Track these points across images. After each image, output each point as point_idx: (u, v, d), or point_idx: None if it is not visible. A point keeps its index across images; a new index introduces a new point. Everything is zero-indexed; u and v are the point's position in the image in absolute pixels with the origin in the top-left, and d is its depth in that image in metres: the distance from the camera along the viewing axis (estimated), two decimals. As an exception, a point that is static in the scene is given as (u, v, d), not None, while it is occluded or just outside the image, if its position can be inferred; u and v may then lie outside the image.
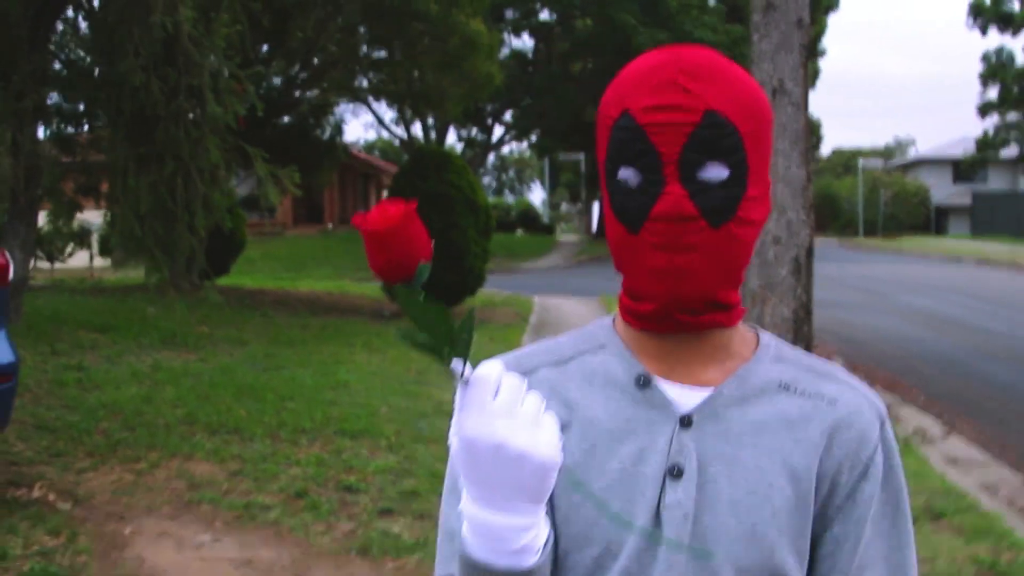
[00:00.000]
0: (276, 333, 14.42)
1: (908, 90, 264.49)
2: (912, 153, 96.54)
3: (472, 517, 1.33)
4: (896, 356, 15.98)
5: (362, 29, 21.71)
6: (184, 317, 13.86)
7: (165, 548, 5.97)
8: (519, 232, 66.39)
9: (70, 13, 14.22)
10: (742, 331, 1.60)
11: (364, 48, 23.15)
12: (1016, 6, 68.61)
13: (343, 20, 20.58)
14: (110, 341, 12.09)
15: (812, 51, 57.90)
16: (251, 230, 29.79)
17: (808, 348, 11.17)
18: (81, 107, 14.63)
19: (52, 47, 13.55)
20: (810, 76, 55.20)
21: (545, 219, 70.92)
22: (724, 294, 1.50)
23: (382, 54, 23.63)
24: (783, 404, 1.54)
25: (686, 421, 1.51)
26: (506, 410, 1.28)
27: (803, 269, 10.68)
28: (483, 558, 1.33)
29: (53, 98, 13.87)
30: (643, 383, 1.54)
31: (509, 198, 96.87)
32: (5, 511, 6.23)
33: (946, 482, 8.75)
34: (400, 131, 52.29)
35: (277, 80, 22.34)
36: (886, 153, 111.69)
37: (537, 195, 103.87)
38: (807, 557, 1.51)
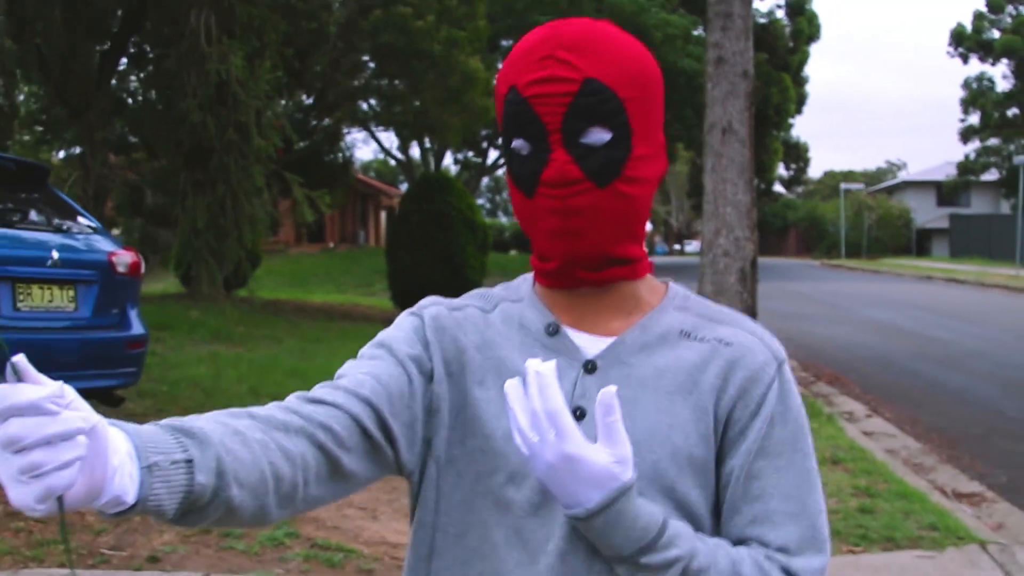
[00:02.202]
0: (303, 333, 16.73)
1: (903, 112, 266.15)
2: (903, 176, 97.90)
3: None
4: (843, 358, 18.15)
5: (371, 65, 24.02)
6: (230, 318, 16.13)
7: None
8: (513, 252, 68.28)
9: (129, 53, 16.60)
10: (651, 282, 1.69)
11: (372, 83, 25.44)
12: (996, 34, 70.11)
13: (354, 58, 22.93)
14: (170, 336, 14.33)
15: (796, 78, 60.11)
16: (255, 247, 31.66)
17: (753, 343, 13.42)
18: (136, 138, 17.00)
19: (117, 87, 15.93)
20: (796, 101, 56.56)
21: (538, 239, 72.49)
22: (622, 249, 1.59)
23: (388, 86, 25.93)
24: (683, 350, 1.62)
25: (590, 366, 1.61)
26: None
27: (748, 278, 12.96)
28: None
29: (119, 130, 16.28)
30: (552, 331, 1.65)
31: (503, 219, 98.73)
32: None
33: (855, 444, 10.82)
34: (398, 153, 53.97)
35: (296, 111, 24.64)
36: (877, 176, 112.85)
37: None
38: (713, 491, 1.60)
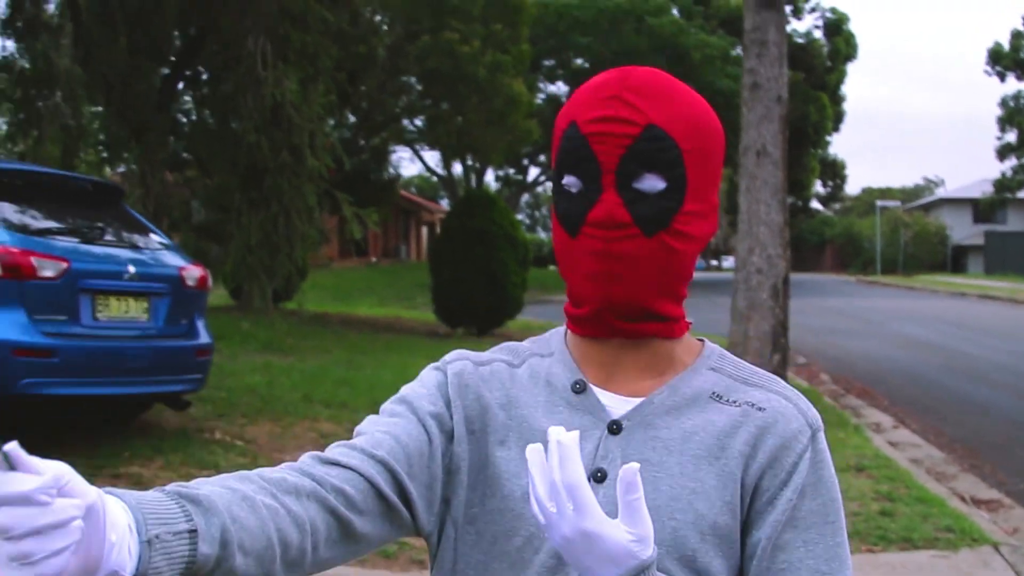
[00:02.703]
0: (351, 344, 17.40)
1: (941, 129, 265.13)
2: (940, 193, 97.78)
3: None
4: (873, 372, 18.65)
5: (418, 88, 24.82)
6: (280, 330, 16.80)
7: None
8: (552, 267, 68.81)
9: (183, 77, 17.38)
10: (687, 342, 1.66)
11: (418, 103, 26.27)
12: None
13: (401, 81, 23.71)
14: (224, 346, 14.94)
15: (833, 97, 60.43)
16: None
17: (784, 356, 13.94)
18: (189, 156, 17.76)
19: (175, 108, 16.70)
20: (833, 119, 56.72)
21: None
22: (660, 305, 1.56)
23: (432, 106, 26.71)
24: (713, 413, 1.58)
25: (614, 427, 1.57)
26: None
27: (780, 294, 13.46)
28: None
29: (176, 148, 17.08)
30: (579, 389, 1.61)
31: (542, 235, 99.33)
32: (204, 445, 9.12)
33: (879, 453, 11.31)
34: (440, 170, 54.61)
35: (345, 130, 25.43)
36: (915, 193, 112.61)
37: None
38: (737, 561, 1.55)
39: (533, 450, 1.36)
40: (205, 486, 1.35)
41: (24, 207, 8.41)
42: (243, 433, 9.80)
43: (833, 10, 62.28)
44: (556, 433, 1.33)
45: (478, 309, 20.49)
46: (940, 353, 21.55)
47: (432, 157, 53.64)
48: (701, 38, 45.42)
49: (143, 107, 15.50)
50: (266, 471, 1.45)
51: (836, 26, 61.50)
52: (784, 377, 13.86)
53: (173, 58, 17.14)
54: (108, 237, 8.85)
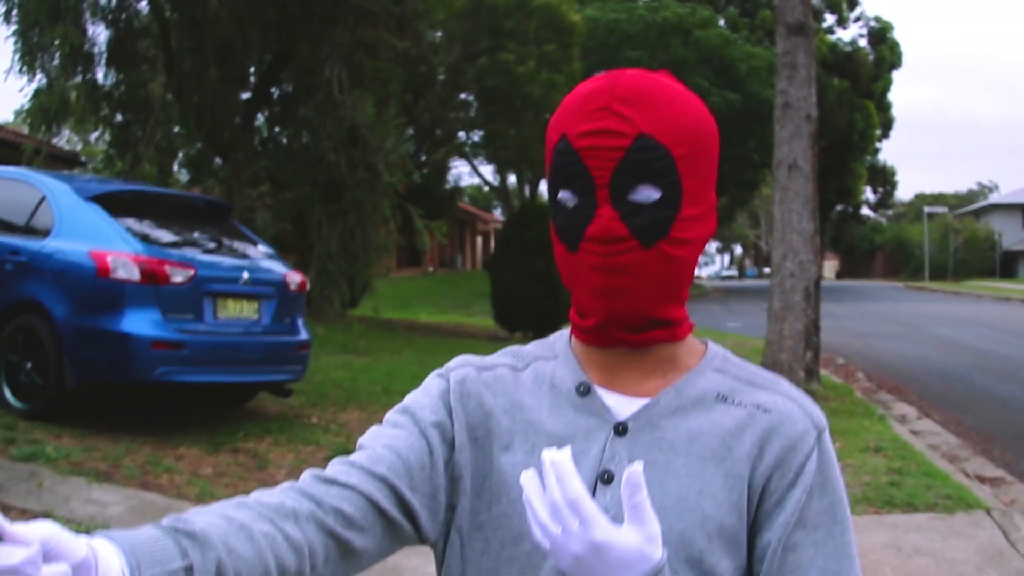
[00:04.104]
0: (419, 347, 18.84)
1: (996, 133, 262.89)
2: (993, 198, 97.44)
3: None
4: (906, 371, 19.76)
5: (475, 105, 26.32)
6: (356, 333, 18.27)
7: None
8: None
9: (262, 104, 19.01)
10: (691, 343, 1.65)
11: (477, 119, 27.77)
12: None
13: (459, 98, 25.22)
14: (305, 348, 16.55)
15: (880, 105, 61.14)
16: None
17: (816, 353, 15.22)
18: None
19: (259, 130, 18.35)
20: (880, 126, 57.13)
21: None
22: (663, 311, 1.55)
23: (489, 120, 28.15)
24: (719, 415, 1.58)
25: (620, 429, 1.57)
26: None
27: (811, 296, 14.76)
28: None
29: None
30: (584, 391, 1.61)
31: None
32: (305, 427, 10.58)
33: (898, 438, 12.36)
34: (493, 180, 55.77)
35: (409, 146, 26.94)
36: (968, 198, 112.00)
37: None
38: (744, 563, 1.55)
39: (528, 477, 1.35)
40: (202, 517, 1.35)
41: (153, 222, 9.92)
42: (335, 418, 11.25)
43: (877, 19, 63.25)
44: (549, 456, 1.32)
45: (535, 314, 21.55)
46: (971, 353, 22.53)
47: (487, 169, 54.96)
48: (747, 49, 46.41)
49: (229, 130, 17.12)
50: (264, 495, 1.46)
51: (881, 34, 62.34)
52: (816, 372, 15.19)
53: (253, 83, 18.82)
54: (224, 247, 10.33)
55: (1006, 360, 21.34)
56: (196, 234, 10.26)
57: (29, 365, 9.27)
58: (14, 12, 15.56)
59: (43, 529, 1.10)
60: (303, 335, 10.51)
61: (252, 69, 18.74)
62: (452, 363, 1.73)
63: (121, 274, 8.99)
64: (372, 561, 1.55)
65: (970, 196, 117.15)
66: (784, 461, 1.55)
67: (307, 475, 1.53)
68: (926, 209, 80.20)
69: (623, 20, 43.25)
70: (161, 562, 1.25)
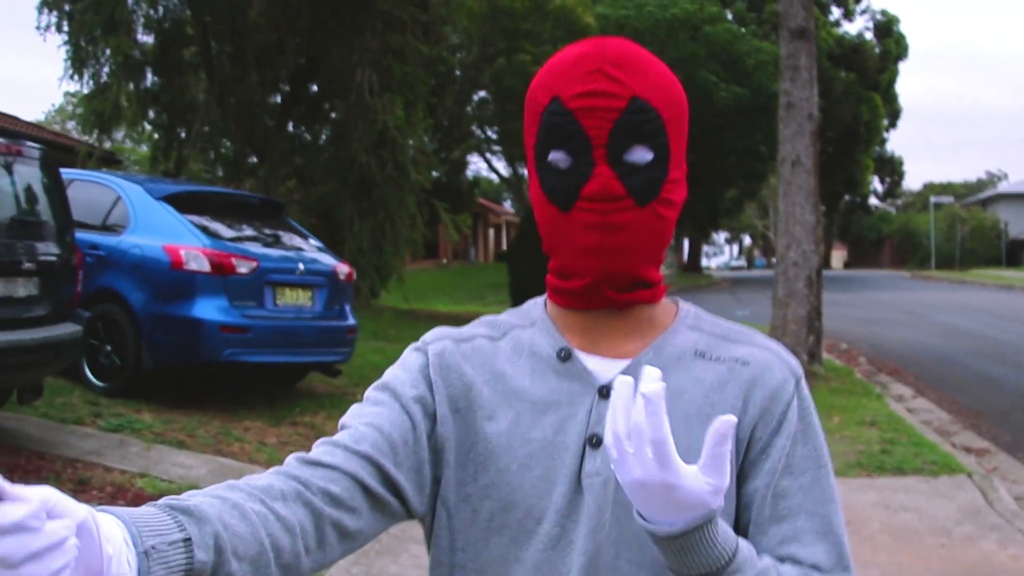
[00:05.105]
0: (444, 334, 19.82)
1: (1006, 122, 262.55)
2: (1002, 187, 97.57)
3: None
4: (906, 355, 20.57)
5: (492, 104, 27.36)
6: (385, 321, 19.35)
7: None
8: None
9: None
10: (664, 304, 1.66)
11: (493, 117, 28.78)
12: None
13: (477, 97, 26.21)
14: (340, 334, 17.63)
15: (886, 96, 61.89)
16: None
17: (818, 337, 16.18)
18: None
19: (292, 131, 19.49)
20: (887, 117, 57.72)
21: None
22: (647, 271, 1.57)
23: (505, 118, 29.15)
24: (699, 371, 1.60)
25: (604, 391, 1.57)
26: None
27: (814, 283, 15.71)
28: None
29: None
30: (564, 356, 1.61)
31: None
32: (354, 403, 11.65)
33: (893, 414, 13.24)
34: (504, 173, 56.65)
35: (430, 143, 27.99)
36: (977, 187, 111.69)
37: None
38: (733, 514, 1.57)
39: (622, 383, 1.32)
40: (195, 497, 1.35)
41: (215, 219, 11.00)
42: (379, 397, 12.32)
43: (883, 12, 63.93)
44: (644, 385, 1.28)
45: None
46: (971, 339, 23.20)
47: (500, 164, 55.84)
48: (754, 44, 47.08)
49: (265, 132, 18.21)
50: (253, 478, 1.45)
51: (887, 27, 63.04)
52: (819, 355, 16.18)
53: (287, 87, 19.92)
54: (280, 242, 11.41)
55: (1004, 345, 21.94)
56: (254, 230, 11.35)
57: (108, 348, 10.34)
58: (65, 23, 16.67)
59: (43, 491, 1.09)
60: (351, 320, 11.58)
61: (284, 73, 19.82)
62: (428, 336, 1.73)
63: (193, 266, 10.08)
64: (366, 540, 1.55)
65: (979, 185, 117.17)
66: (767, 411, 1.58)
67: (292, 459, 1.52)
68: (932, 199, 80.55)
69: (633, 16, 44.04)
70: (161, 534, 1.25)
